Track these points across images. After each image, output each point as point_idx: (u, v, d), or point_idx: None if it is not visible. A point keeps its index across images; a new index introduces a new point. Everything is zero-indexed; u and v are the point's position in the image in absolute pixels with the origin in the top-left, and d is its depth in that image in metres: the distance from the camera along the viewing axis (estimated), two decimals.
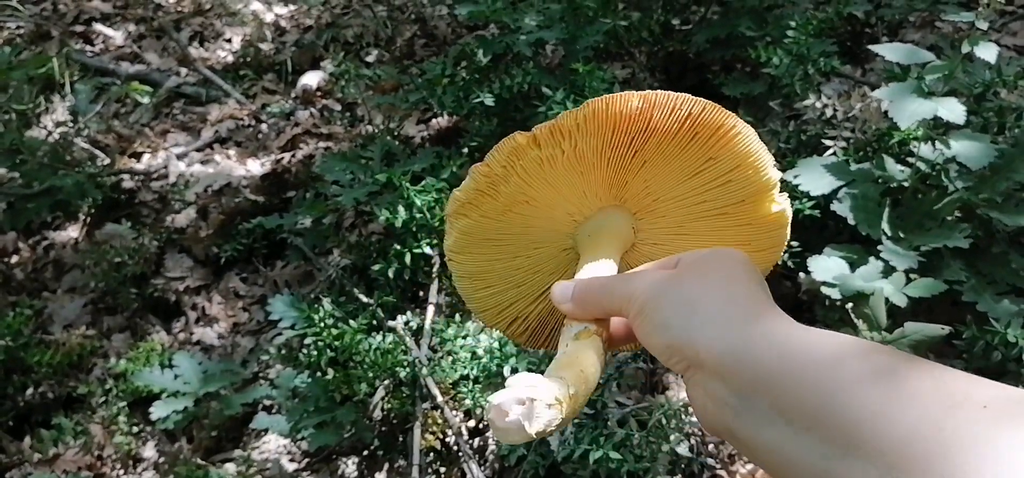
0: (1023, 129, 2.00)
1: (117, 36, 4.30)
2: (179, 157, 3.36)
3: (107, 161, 3.30)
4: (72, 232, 3.13)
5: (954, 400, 0.50)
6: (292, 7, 4.28)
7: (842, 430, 0.52)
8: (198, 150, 3.42)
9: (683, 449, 1.92)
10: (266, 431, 2.29)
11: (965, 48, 1.80)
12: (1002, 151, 1.87)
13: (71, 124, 3.50)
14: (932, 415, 0.49)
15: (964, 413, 0.49)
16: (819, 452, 0.53)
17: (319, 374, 2.11)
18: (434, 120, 3.19)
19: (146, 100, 3.73)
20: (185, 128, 3.61)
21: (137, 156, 3.45)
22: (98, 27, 4.36)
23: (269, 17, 4.25)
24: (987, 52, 1.79)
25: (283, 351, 2.40)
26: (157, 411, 2.28)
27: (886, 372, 0.54)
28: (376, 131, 2.86)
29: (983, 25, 1.79)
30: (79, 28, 4.38)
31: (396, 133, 2.88)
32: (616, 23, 2.68)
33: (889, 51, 1.91)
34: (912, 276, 1.75)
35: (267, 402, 2.37)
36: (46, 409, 2.54)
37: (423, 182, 2.27)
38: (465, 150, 2.55)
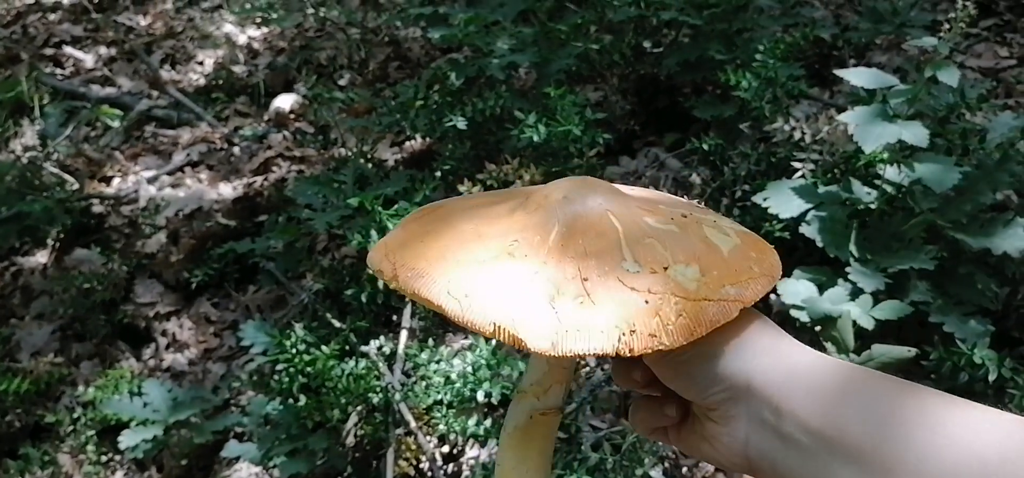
0: (986, 151, 2.03)
1: (88, 59, 4.26)
2: (150, 181, 3.33)
3: (76, 186, 3.27)
4: (40, 258, 3.09)
5: (1002, 441, 0.51)
6: (265, 30, 4.27)
7: (890, 461, 0.53)
8: (169, 174, 3.39)
9: (657, 473, 1.92)
10: (237, 459, 2.26)
11: (928, 72, 1.83)
12: (966, 173, 1.90)
13: (40, 148, 3.47)
14: (979, 453, 0.50)
15: (1012, 457, 0.50)
16: None
17: (291, 401, 2.09)
18: (408, 143, 3.19)
19: (116, 124, 3.70)
20: (156, 152, 3.58)
21: (107, 180, 3.42)
22: (68, 50, 4.32)
23: (242, 39, 4.24)
24: (949, 76, 1.82)
25: (255, 377, 2.38)
26: (126, 440, 2.25)
27: (933, 404, 0.55)
28: (349, 154, 2.86)
29: (945, 50, 1.82)
30: (49, 51, 4.34)
31: (369, 156, 2.88)
32: (588, 46, 2.71)
33: (854, 76, 1.93)
34: (880, 297, 1.77)
35: (238, 430, 2.34)
36: (13, 439, 2.50)
37: (396, 205, 2.26)
38: (438, 173, 2.55)
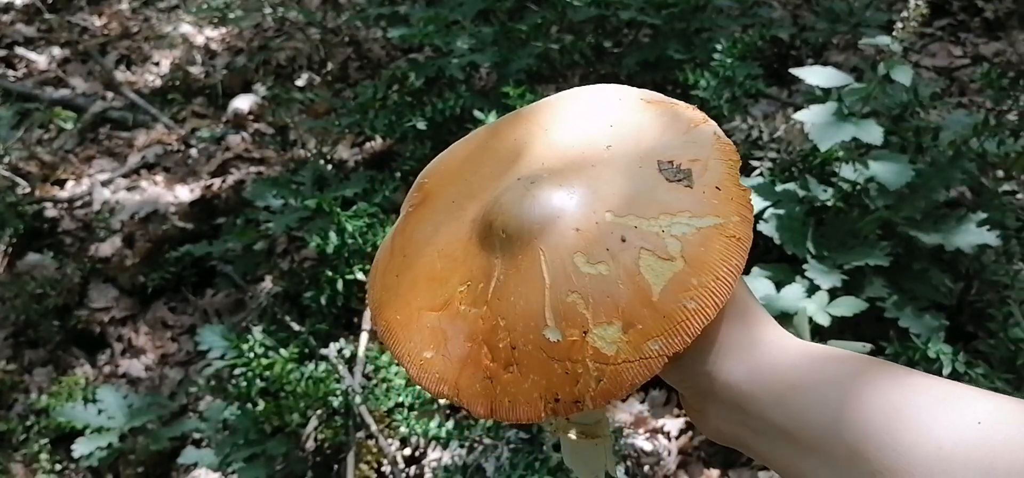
0: (940, 149, 2.06)
1: (41, 60, 4.18)
2: (104, 184, 3.27)
3: (29, 189, 3.20)
4: None
5: (955, 423, 0.53)
6: (223, 30, 4.21)
7: (848, 451, 0.55)
8: (124, 176, 3.33)
9: (619, 471, 1.93)
10: (195, 465, 2.22)
11: (882, 71, 1.85)
12: (920, 170, 1.92)
13: None
14: (935, 438, 0.52)
15: (966, 440, 0.51)
16: (827, 471, 0.57)
17: (249, 405, 2.06)
18: (367, 144, 3.16)
19: (70, 126, 3.63)
20: (111, 154, 3.52)
21: (60, 183, 3.35)
22: (21, 51, 4.23)
23: (199, 40, 4.18)
24: (902, 75, 1.85)
25: (212, 382, 2.35)
26: (80, 448, 2.20)
27: (890, 387, 0.57)
28: (309, 155, 2.83)
29: (898, 49, 1.84)
30: (1, 52, 4.24)
31: (329, 157, 2.85)
32: (548, 46, 2.70)
33: (811, 75, 1.95)
34: (836, 294, 1.78)
35: (196, 436, 2.31)
36: None
37: (355, 207, 2.24)
38: (398, 174, 2.53)
